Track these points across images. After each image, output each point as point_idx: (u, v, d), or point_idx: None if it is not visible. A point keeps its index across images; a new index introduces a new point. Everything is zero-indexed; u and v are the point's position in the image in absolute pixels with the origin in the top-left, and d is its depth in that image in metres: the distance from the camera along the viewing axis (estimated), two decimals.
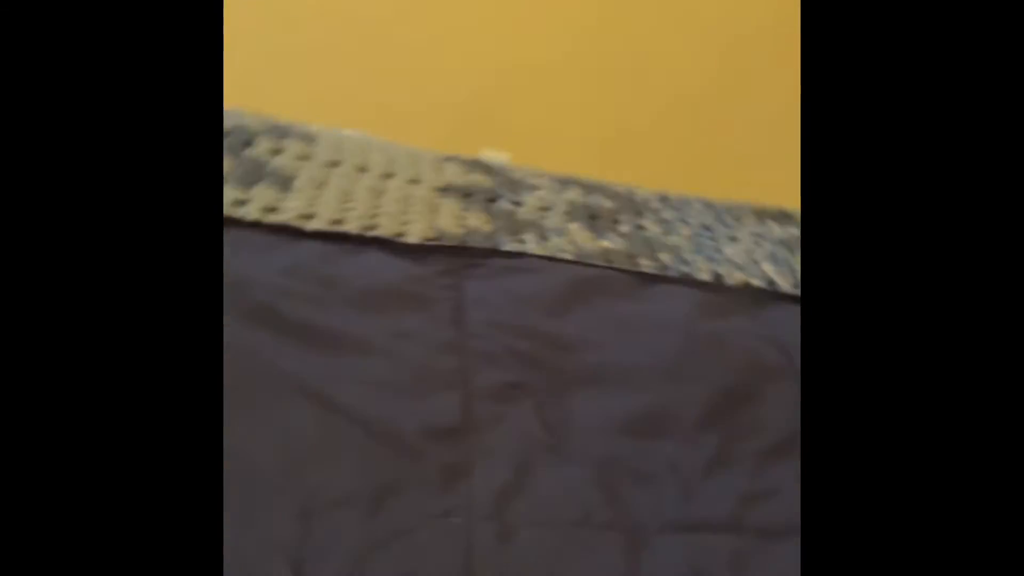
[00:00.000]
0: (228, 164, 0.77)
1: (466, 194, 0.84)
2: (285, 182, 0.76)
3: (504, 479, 0.54)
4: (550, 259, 0.73)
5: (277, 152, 0.82)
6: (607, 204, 0.92)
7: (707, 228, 0.93)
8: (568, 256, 0.76)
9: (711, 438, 0.61)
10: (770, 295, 0.78)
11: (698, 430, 0.61)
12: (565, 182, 0.95)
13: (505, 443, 0.57)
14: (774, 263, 0.86)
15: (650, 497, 0.56)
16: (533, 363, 0.63)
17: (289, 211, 0.72)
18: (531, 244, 0.77)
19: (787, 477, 0.59)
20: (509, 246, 0.75)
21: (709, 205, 0.99)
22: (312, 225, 0.71)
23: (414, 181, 0.84)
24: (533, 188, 0.91)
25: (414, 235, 0.73)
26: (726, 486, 0.57)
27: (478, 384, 0.60)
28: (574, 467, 0.57)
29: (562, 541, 0.52)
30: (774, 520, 0.56)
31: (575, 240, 0.81)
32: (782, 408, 0.63)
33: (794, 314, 0.69)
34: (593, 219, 0.87)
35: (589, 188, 0.95)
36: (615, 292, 0.71)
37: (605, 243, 0.83)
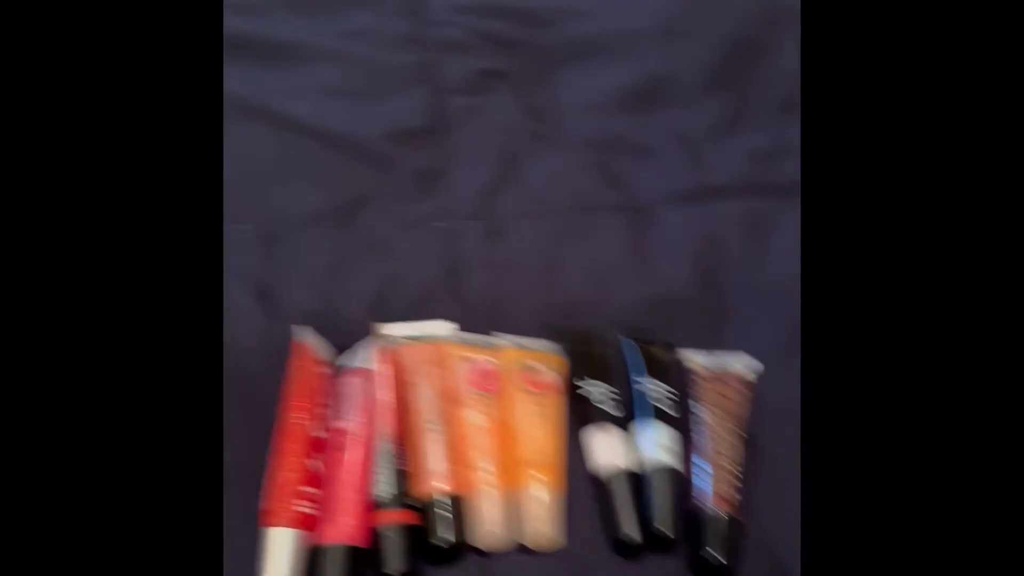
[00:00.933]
0: None
1: None
2: None
3: (488, 175, 0.49)
4: None
5: None
6: None
7: None
8: None
9: (720, 99, 0.53)
10: None
11: (705, 92, 0.54)
12: None
13: (485, 137, 0.51)
14: None
15: (654, 172, 0.50)
16: (508, 45, 0.55)
17: None
18: None
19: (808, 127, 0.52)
20: None
21: None
22: None
23: None
24: None
25: None
26: (738, 148, 0.51)
27: (446, 77, 0.53)
28: (566, 152, 0.51)
29: (559, 228, 0.47)
30: (792, 176, 0.49)
31: None
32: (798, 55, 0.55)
33: None
34: None
35: None
36: None
37: None
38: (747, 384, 0.41)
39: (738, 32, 0.56)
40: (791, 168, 0.50)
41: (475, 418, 0.39)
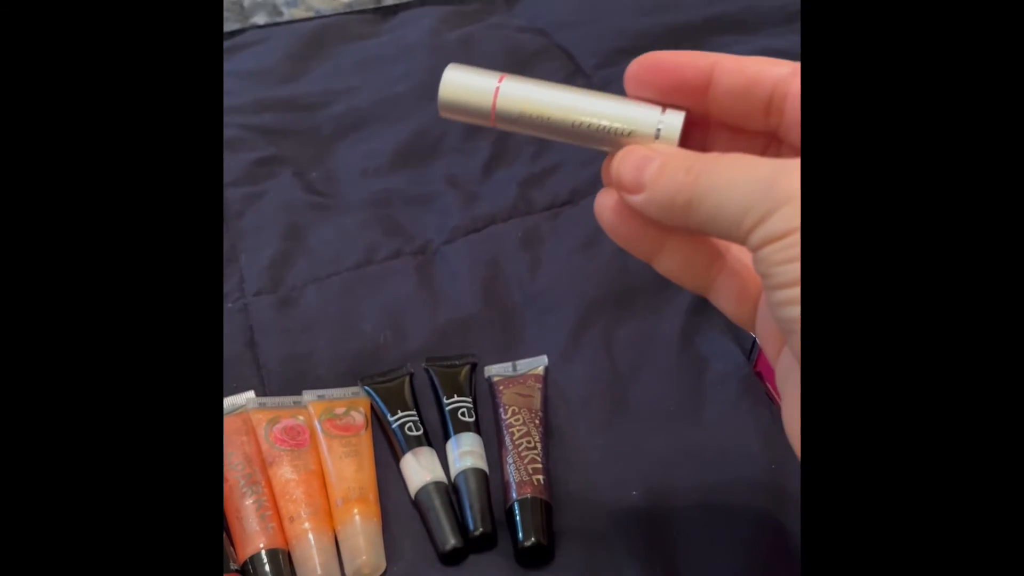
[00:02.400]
0: None
1: None
2: None
3: (274, 250, 0.51)
4: (275, 25, 0.66)
5: None
6: None
7: None
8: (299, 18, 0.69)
9: (484, 141, 0.58)
10: None
11: (469, 138, 0.58)
12: None
13: (269, 217, 0.53)
14: None
15: (433, 216, 0.53)
16: (282, 133, 0.58)
17: None
18: (261, 23, 0.70)
19: (566, 152, 0.57)
20: (230, 28, 0.68)
21: None
22: None
23: None
24: None
25: None
26: (507, 180, 0.55)
27: (228, 172, 0.55)
28: (348, 216, 0.53)
29: (351, 284, 0.49)
30: (558, 192, 0.54)
31: (312, 6, 0.74)
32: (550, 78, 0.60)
33: None
34: None
35: None
36: (354, 35, 0.66)
37: None
38: (537, 378, 0.44)
39: None
40: (555, 187, 0.54)
41: (288, 474, 0.40)
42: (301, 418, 0.43)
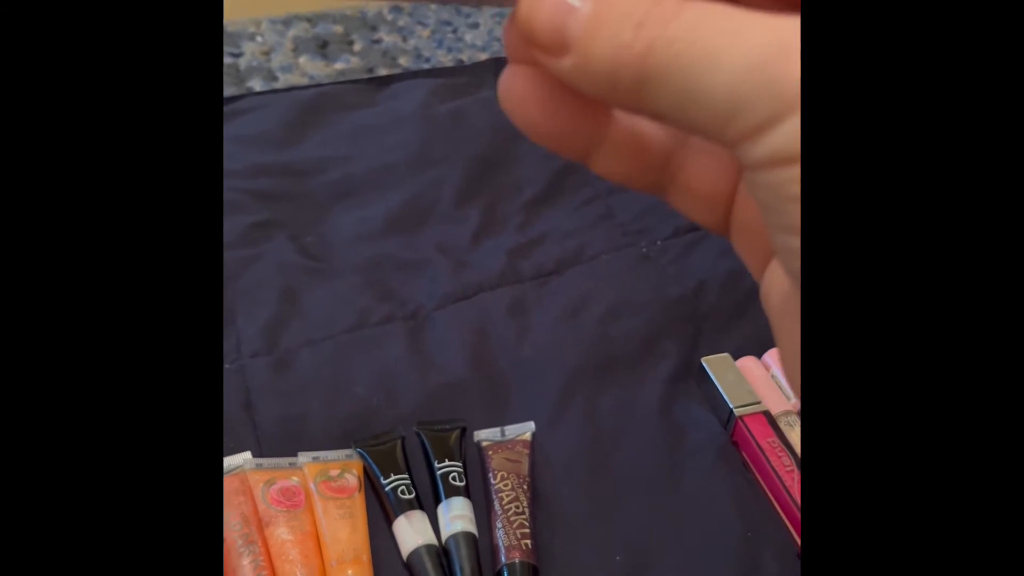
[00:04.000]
0: None
1: None
2: None
3: (269, 313, 0.53)
4: (273, 92, 0.69)
5: None
6: (337, 29, 0.87)
7: (447, 23, 0.90)
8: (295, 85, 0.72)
9: (473, 210, 0.60)
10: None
11: (459, 206, 0.61)
12: (287, 21, 0.89)
13: (264, 280, 0.55)
14: None
15: (424, 282, 0.55)
16: (277, 198, 0.60)
17: None
18: (257, 87, 0.73)
19: (551, 222, 0.60)
20: (228, 93, 0.70)
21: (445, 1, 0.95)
22: None
23: None
24: (252, 36, 0.85)
25: None
26: (496, 248, 0.58)
27: (225, 235, 0.57)
28: (342, 280, 0.56)
29: (343, 347, 0.51)
30: (544, 263, 0.57)
31: (306, 71, 0.77)
32: (535, 161, 0.64)
33: None
34: (324, 47, 0.83)
35: (315, 19, 0.89)
36: (349, 105, 0.68)
37: (339, 66, 0.79)
38: (525, 444, 0.46)
39: (479, 152, 0.64)
40: (541, 257, 0.57)
41: (284, 535, 0.42)
42: (296, 479, 0.44)
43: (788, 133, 0.15)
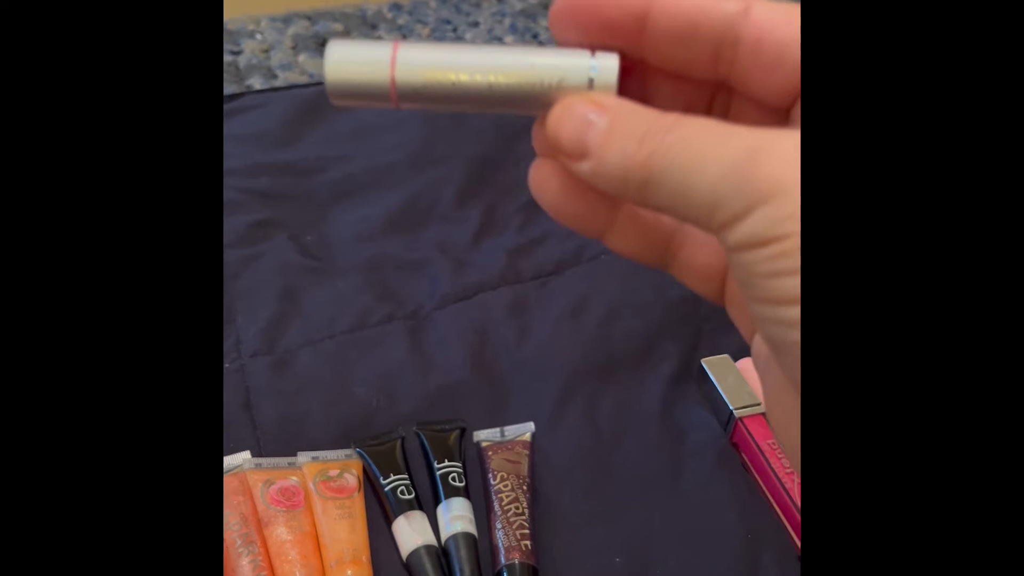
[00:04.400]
0: None
1: None
2: None
3: (269, 312, 0.53)
4: (272, 90, 0.69)
5: None
6: (337, 27, 0.87)
7: (446, 22, 0.90)
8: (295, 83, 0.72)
9: (474, 210, 0.60)
10: None
11: (460, 207, 0.61)
12: (287, 18, 0.89)
13: (264, 279, 0.55)
14: (515, 34, 0.85)
15: (424, 282, 0.55)
16: (278, 197, 0.60)
17: None
18: (257, 85, 0.73)
19: (552, 223, 0.60)
20: (228, 91, 0.70)
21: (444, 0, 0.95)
22: None
23: None
24: (252, 34, 0.85)
25: None
26: (496, 249, 0.58)
27: (225, 234, 0.57)
28: (342, 280, 0.55)
29: (344, 347, 0.51)
30: (544, 263, 0.57)
31: (306, 70, 0.77)
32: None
33: None
34: (323, 45, 0.83)
35: (314, 17, 0.89)
36: None
37: None
38: (525, 445, 0.46)
39: (480, 152, 0.64)
40: (541, 257, 0.57)
41: (283, 535, 0.42)
42: (296, 479, 0.44)
43: (757, 222, 0.18)
